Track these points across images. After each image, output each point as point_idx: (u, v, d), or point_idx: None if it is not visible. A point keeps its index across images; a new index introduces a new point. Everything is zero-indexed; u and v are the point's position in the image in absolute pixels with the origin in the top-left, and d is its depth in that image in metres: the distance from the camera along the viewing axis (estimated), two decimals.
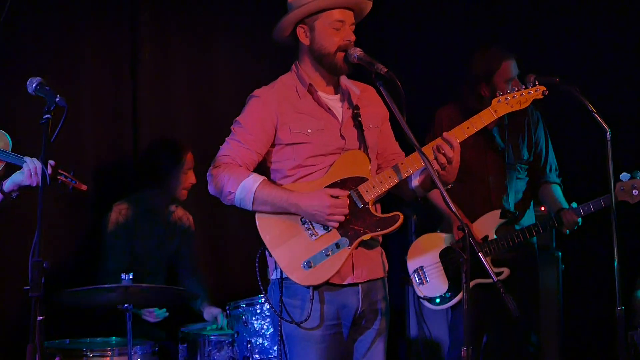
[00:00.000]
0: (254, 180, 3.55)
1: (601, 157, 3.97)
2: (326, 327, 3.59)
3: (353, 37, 3.64)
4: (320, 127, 3.63)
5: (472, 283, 3.18)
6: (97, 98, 5.43)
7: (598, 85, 5.54)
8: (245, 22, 5.89)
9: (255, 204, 3.55)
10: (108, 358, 4.49)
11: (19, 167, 3.66)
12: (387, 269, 3.78)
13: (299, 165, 3.63)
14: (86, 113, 5.37)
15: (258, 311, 4.65)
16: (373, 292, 3.69)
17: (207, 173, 3.64)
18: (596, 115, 4.02)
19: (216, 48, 5.85)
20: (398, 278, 5.00)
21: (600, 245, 4.44)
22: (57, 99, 3.29)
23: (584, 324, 5.77)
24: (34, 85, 3.42)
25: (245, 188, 3.54)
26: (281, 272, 3.59)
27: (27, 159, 3.64)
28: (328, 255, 3.56)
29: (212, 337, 4.80)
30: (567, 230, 4.75)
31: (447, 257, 4.78)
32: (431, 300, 4.80)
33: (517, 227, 4.81)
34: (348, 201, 3.54)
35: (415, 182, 3.69)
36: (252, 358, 4.61)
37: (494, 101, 3.68)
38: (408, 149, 3.63)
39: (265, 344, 4.62)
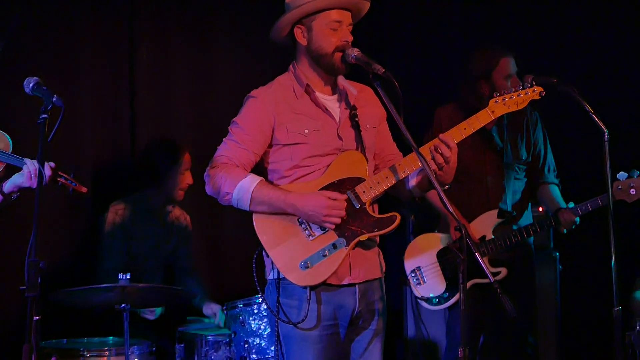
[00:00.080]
0: (252, 181, 3.55)
1: (599, 157, 3.96)
2: (323, 328, 3.59)
3: (350, 38, 3.64)
4: (318, 128, 3.63)
5: (469, 283, 3.19)
6: (95, 98, 5.43)
7: (596, 85, 5.54)
8: (244, 22, 5.88)
9: (253, 205, 3.55)
10: (105, 358, 4.49)
11: (19, 169, 3.66)
12: (384, 269, 3.78)
13: (296, 166, 3.62)
14: (84, 113, 5.37)
15: (255, 311, 4.65)
16: (370, 293, 3.69)
17: (205, 173, 3.64)
18: (594, 115, 4.01)
19: (214, 48, 5.85)
20: (396, 278, 5.01)
21: (597, 246, 4.44)
22: (54, 99, 3.29)
23: (582, 324, 5.78)
24: (30, 85, 3.42)
25: (242, 188, 3.54)
26: (278, 272, 3.59)
27: (27, 160, 3.64)
28: (325, 256, 3.56)
29: (209, 337, 4.80)
30: (565, 230, 4.75)
31: (444, 258, 4.79)
32: (428, 300, 4.80)
33: (514, 227, 4.81)
34: (345, 203, 3.54)
35: (412, 183, 3.69)
36: (250, 358, 4.61)
37: (491, 102, 3.68)
38: (405, 150, 3.63)
39: (263, 344, 4.62)
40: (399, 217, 3.60)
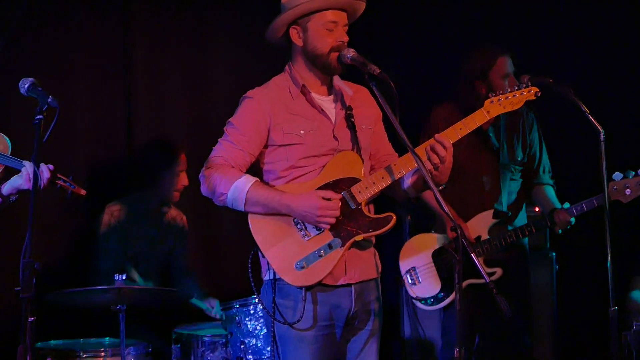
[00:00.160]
0: (246, 181, 3.54)
1: (594, 157, 3.97)
2: (319, 328, 3.59)
3: (346, 38, 3.64)
4: (313, 128, 3.63)
5: (464, 283, 3.19)
6: (90, 98, 5.43)
7: (592, 85, 5.54)
8: (240, 23, 5.88)
9: (248, 205, 3.55)
10: (101, 359, 4.50)
11: (18, 171, 3.66)
12: (380, 269, 3.78)
13: (291, 166, 3.62)
14: (80, 114, 5.37)
15: (251, 312, 4.65)
16: (366, 293, 3.69)
17: (200, 174, 3.64)
18: (589, 115, 4.02)
19: (210, 48, 5.85)
20: (392, 279, 5.00)
21: (594, 246, 4.44)
22: (50, 100, 3.29)
23: (578, 324, 5.78)
24: (26, 85, 3.42)
25: (237, 189, 3.53)
26: (274, 272, 3.59)
27: (26, 163, 3.63)
28: (321, 256, 3.56)
29: (205, 338, 4.80)
30: (560, 230, 4.76)
31: (439, 258, 4.78)
32: (423, 300, 4.80)
33: (509, 228, 4.81)
34: (340, 203, 3.54)
35: (407, 183, 3.69)
36: (246, 359, 4.61)
37: (487, 102, 3.68)
38: (401, 150, 3.63)
39: (259, 345, 4.62)
40: (394, 217, 3.60)
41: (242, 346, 4.63)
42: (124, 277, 4.29)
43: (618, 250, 3.96)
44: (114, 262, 5.11)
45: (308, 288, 3.57)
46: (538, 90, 3.71)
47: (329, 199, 3.51)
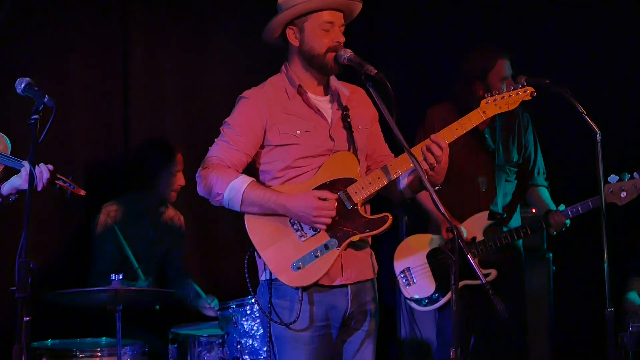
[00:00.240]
0: (243, 182, 3.54)
1: (591, 158, 3.97)
2: (315, 328, 3.59)
3: (342, 39, 3.64)
4: (310, 129, 3.63)
5: (459, 284, 3.18)
6: (88, 99, 5.43)
7: (589, 87, 5.55)
8: (236, 23, 5.89)
9: (244, 205, 3.55)
10: (98, 358, 4.49)
11: (18, 171, 3.66)
12: (376, 270, 3.78)
13: (288, 167, 3.62)
14: (77, 114, 5.37)
15: (248, 312, 4.65)
16: (362, 294, 3.68)
17: (196, 174, 3.64)
18: (586, 117, 4.02)
19: (207, 49, 5.85)
20: (388, 279, 5.00)
21: (590, 247, 4.44)
22: (46, 100, 3.29)
23: (575, 325, 5.78)
24: (22, 85, 3.42)
25: (233, 189, 3.53)
26: (270, 273, 3.59)
27: (26, 163, 3.63)
28: (317, 257, 3.56)
29: (202, 338, 4.80)
30: (555, 232, 4.76)
31: (434, 259, 4.78)
32: (418, 301, 4.79)
33: (504, 229, 4.81)
34: (336, 203, 3.54)
35: (403, 183, 3.69)
36: (242, 359, 4.61)
37: (483, 102, 3.69)
38: (397, 150, 3.63)
39: (255, 345, 4.62)
40: (390, 217, 3.60)
41: (239, 346, 4.63)
42: (120, 277, 4.29)
43: (615, 251, 3.96)
44: (111, 262, 5.11)
45: (304, 288, 3.56)
46: (534, 90, 3.71)
47: (325, 199, 3.51)
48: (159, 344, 5.00)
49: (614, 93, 5.84)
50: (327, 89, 3.75)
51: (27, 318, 2.97)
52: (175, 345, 4.84)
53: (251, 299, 4.57)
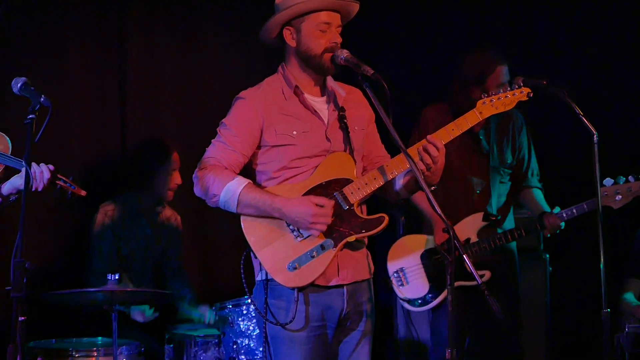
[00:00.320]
0: (239, 183, 3.54)
1: (587, 160, 3.97)
2: (311, 329, 3.59)
3: (339, 40, 3.64)
4: (306, 129, 3.63)
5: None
6: (84, 98, 5.43)
7: (586, 88, 5.54)
8: (233, 23, 5.89)
9: (240, 207, 3.55)
10: (94, 358, 4.49)
11: (18, 171, 3.66)
12: (372, 270, 3.78)
13: (284, 167, 3.62)
14: (74, 113, 5.36)
15: (244, 312, 4.66)
16: (358, 294, 3.69)
17: (193, 175, 3.64)
18: (583, 118, 4.02)
19: (204, 49, 5.85)
20: (385, 279, 5.00)
21: (587, 248, 4.44)
22: (42, 99, 3.29)
23: (571, 325, 5.78)
24: (18, 85, 3.42)
25: (229, 191, 3.53)
26: (266, 273, 3.59)
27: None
28: (313, 257, 3.56)
29: (198, 338, 4.80)
30: (549, 234, 4.76)
31: (428, 259, 4.77)
32: (411, 302, 4.79)
33: (499, 231, 4.80)
34: (332, 210, 3.53)
35: (399, 184, 3.69)
36: (238, 359, 4.61)
37: (479, 103, 3.68)
38: (393, 151, 3.63)
39: (252, 345, 4.62)
40: (387, 218, 3.60)
41: (235, 346, 4.63)
42: (116, 277, 4.28)
43: (611, 252, 3.97)
44: (108, 262, 5.11)
45: (300, 289, 3.57)
46: (530, 90, 3.71)
47: (322, 206, 3.51)
48: (155, 344, 5.00)
49: (610, 94, 5.83)
50: (323, 90, 3.75)
51: (23, 318, 2.97)
52: (172, 345, 4.85)
53: (247, 299, 4.57)
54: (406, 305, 4.82)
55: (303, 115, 3.66)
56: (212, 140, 3.68)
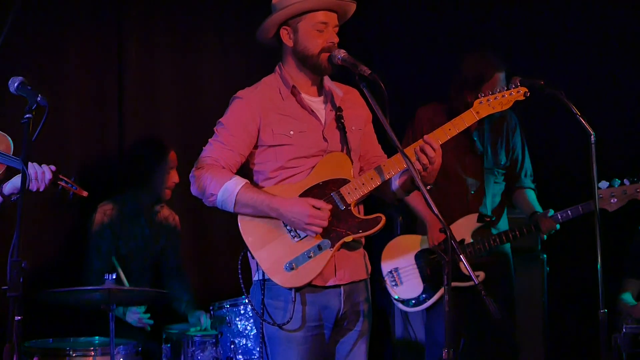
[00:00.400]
0: (236, 183, 3.54)
1: (584, 160, 3.97)
2: (308, 329, 3.59)
3: (336, 39, 3.64)
4: (303, 129, 3.63)
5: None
6: (82, 97, 5.43)
7: (583, 88, 5.55)
8: (231, 23, 5.88)
9: (237, 207, 3.55)
10: (91, 358, 4.50)
11: (20, 171, 3.65)
12: (369, 270, 3.78)
13: (281, 167, 3.62)
14: (72, 113, 5.36)
15: (242, 312, 4.66)
16: (355, 294, 3.69)
17: (190, 174, 3.64)
18: (581, 118, 4.01)
19: (201, 49, 5.85)
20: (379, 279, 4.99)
21: (585, 248, 4.44)
22: (39, 99, 3.28)
23: (568, 326, 5.78)
24: (15, 84, 3.42)
25: (227, 190, 3.53)
26: (263, 273, 3.59)
27: (28, 163, 3.64)
28: (310, 257, 3.56)
29: (195, 338, 4.80)
30: (544, 236, 4.76)
31: (422, 260, 4.77)
32: (405, 302, 4.78)
33: (493, 232, 4.80)
34: (329, 213, 3.53)
35: (396, 184, 3.69)
36: (236, 359, 4.62)
37: (476, 102, 3.69)
38: (390, 151, 3.63)
39: (249, 345, 4.63)
40: (384, 218, 3.60)
41: (232, 346, 4.63)
42: (114, 277, 4.29)
43: (608, 252, 3.96)
44: (106, 261, 5.11)
45: (297, 289, 3.56)
46: (527, 90, 3.71)
47: (319, 208, 3.51)
48: (153, 343, 5.00)
49: (608, 95, 5.83)
50: (320, 90, 3.75)
51: (19, 317, 2.96)
52: (169, 345, 4.85)
53: (245, 299, 4.57)
54: (399, 306, 4.81)
55: (300, 115, 3.66)
56: (209, 140, 3.68)
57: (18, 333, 2.96)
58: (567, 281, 5.74)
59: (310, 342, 3.60)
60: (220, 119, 3.69)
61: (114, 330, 4.28)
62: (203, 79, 5.84)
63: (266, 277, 3.58)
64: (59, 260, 5.29)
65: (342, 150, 3.67)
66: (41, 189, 3.64)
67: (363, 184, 3.60)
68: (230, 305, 4.70)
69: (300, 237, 3.56)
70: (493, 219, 4.82)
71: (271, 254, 3.57)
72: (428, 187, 3.48)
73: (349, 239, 3.58)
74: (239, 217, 3.59)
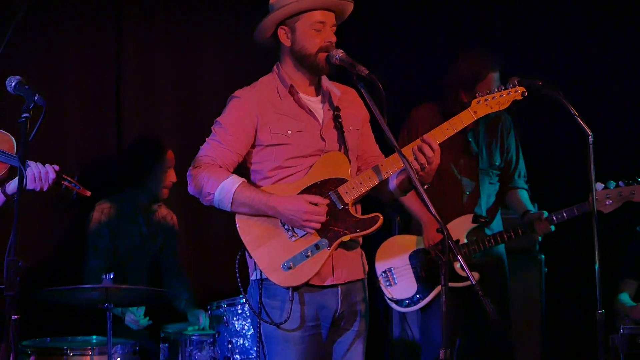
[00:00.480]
0: (234, 182, 3.54)
1: (582, 161, 3.97)
2: (305, 328, 3.59)
3: (334, 39, 3.63)
4: (301, 129, 3.63)
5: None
6: (80, 97, 5.43)
7: (581, 88, 5.55)
8: (228, 23, 5.89)
9: (234, 206, 3.55)
10: (88, 357, 4.50)
11: None
12: (367, 270, 3.78)
13: (278, 167, 3.62)
14: (70, 112, 5.36)
15: (239, 311, 4.66)
16: (353, 294, 3.68)
17: (187, 173, 3.64)
18: (578, 118, 4.01)
19: (199, 48, 5.85)
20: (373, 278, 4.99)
21: (582, 249, 4.44)
22: (36, 98, 3.29)
23: (566, 326, 5.78)
24: (12, 84, 3.42)
25: (224, 189, 3.53)
26: (260, 272, 3.59)
27: (31, 162, 3.64)
28: (308, 257, 3.55)
29: (193, 337, 4.81)
30: (540, 237, 4.76)
31: (416, 260, 4.76)
32: (399, 302, 4.77)
33: (488, 232, 4.79)
34: (327, 209, 3.53)
35: (393, 184, 3.69)
36: (233, 358, 4.61)
37: (474, 102, 3.68)
38: (387, 151, 3.63)
39: (246, 344, 4.62)
40: (381, 217, 3.59)
41: (230, 345, 4.63)
42: (111, 277, 4.28)
43: (606, 253, 3.96)
44: (104, 260, 5.11)
45: (295, 288, 3.56)
46: (525, 90, 3.71)
47: (316, 204, 3.51)
48: (150, 342, 5.00)
49: (606, 95, 5.83)
50: (318, 89, 3.75)
51: (15, 316, 2.96)
52: (167, 344, 4.85)
53: (242, 299, 4.57)
54: (393, 306, 4.79)
55: (298, 114, 3.66)
56: (207, 139, 3.68)
57: (14, 332, 2.96)
58: (564, 282, 5.75)
59: (307, 341, 3.59)
60: (217, 118, 3.69)
61: (112, 330, 4.28)
62: (201, 78, 5.84)
63: (264, 276, 3.58)
64: (57, 259, 5.30)
65: (339, 150, 3.67)
66: (45, 189, 3.64)
67: (361, 184, 3.60)
68: (227, 305, 4.70)
69: (297, 236, 3.56)
70: (487, 219, 4.82)
71: (269, 253, 3.57)
72: (425, 187, 3.48)
73: (346, 238, 3.58)
74: (237, 216, 3.59)
